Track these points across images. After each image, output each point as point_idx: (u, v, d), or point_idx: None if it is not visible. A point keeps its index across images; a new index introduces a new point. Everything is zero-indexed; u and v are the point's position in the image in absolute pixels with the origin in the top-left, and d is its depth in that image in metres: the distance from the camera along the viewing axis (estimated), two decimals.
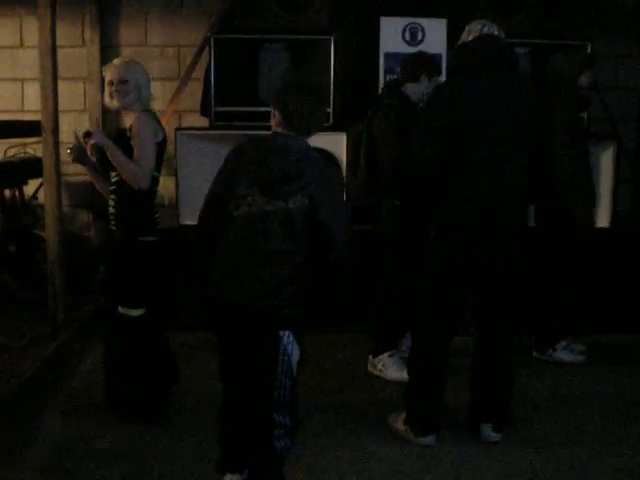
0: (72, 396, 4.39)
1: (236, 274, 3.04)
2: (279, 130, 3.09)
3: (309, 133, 3.10)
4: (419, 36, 5.47)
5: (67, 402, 4.32)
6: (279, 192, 2.98)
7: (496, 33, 3.76)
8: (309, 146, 3.09)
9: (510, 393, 3.93)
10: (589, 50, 5.37)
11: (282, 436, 3.07)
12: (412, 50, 5.16)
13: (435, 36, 5.28)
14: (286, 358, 3.05)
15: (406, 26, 5.46)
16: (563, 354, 5.00)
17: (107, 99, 3.82)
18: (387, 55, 5.43)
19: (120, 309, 3.87)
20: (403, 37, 5.47)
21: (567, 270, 4.97)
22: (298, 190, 2.98)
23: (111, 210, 3.85)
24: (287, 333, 3.05)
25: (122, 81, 3.76)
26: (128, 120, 3.79)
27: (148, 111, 3.80)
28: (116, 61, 3.87)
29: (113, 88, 3.77)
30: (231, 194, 3.03)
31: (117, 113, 4.05)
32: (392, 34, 5.43)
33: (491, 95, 3.63)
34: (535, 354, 5.06)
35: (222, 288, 3.07)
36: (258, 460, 3.13)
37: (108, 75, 3.79)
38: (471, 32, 3.78)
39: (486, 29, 3.75)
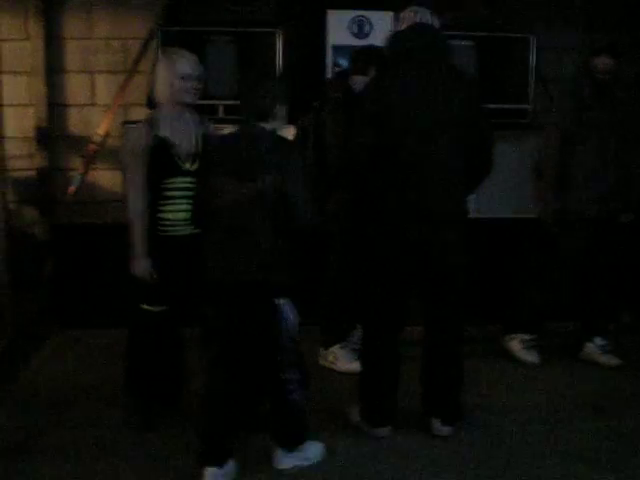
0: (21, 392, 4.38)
1: (226, 257, 3.33)
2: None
3: (266, 118, 3.38)
4: (366, 29, 5.49)
5: (14, 399, 4.30)
6: (252, 174, 3.27)
7: (429, 21, 3.74)
8: (271, 130, 3.38)
9: (459, 386, 3.91)
10: (533, 43, 5.47)
11: (296, 389, 3.46)
12: (360, 43, 5.20)
13: (382, 29, 5.20)
14: (286, 323, 3.39)
15: (353, 19, 5.48)
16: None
17: (181, 94, 3.74)
18: (335, 48, 5.44)
19: (143, 306, 3.84)
20: (350, 30, 5.48)
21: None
22: (266, 170, 3.28)
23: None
24: (282, 301, 3.39)
25: (200, 79, 3.77)
26: None
27: None
28: (189, 55, 3.81)
29: (192, 84, 3.73)
30: (211, 188, 3.33)
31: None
32: (339, 27, 5.44)
33: (419, 83, 3.63)
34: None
35: (216, 273, 3.36)
36: (280, 417, 3.48)
37: (184, 68, 3.72)
38: (404, 20, 3.76)
39: (419, 17, 3.73)
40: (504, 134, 5.56)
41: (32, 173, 5.60)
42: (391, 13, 5.31)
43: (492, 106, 5.17)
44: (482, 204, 5.57)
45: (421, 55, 3.67)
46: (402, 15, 3.78)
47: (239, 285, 3.34)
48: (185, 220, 3.63)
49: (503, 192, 5.73)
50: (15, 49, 5.73)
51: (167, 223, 3.70)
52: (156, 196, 3.67)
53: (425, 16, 3.75)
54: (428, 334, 3.86)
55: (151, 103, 4.93)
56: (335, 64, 5.39)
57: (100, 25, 5.82)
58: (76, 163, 5.75)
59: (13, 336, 4.96)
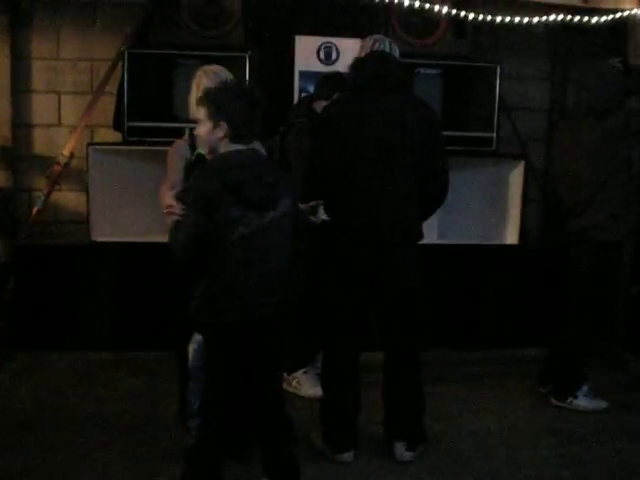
0: None
1: (238, 293, 3.07)
2: (226, 142, 3.12)
3: (256, 140, 3.24)
4: (333, 55, 5.52)
5: None
6: (269, 203, 3.07)
7: (387, 50, 3.81)
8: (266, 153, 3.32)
9: (421, 410, 3.91)
10: (497, 71, 5.54)
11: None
12: (327, 69, 5.22)
13: (349, 56, 4.85)
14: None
15: (320, 45, 5.51)
16: (584, 401, 4.65)
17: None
18: (302, 73, 5.44)
19: None
20: (318, 56, 5.51)
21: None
22: (280, 196, 3.12)
23: None
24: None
25: None
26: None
27: None
28: (227, 72, 3.70)
29: None
30: (220, 221, 3.01)
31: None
32: (307, 53, 5.46)
33: (373, 112, 3.67)
34: (553, 401, 4.70)
35: (230, 314, 3.09)
36: (265, 412, 3.30)
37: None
38: (364, 48, 3.83)
39: (377, 45, 3.80)
40: (469, 161, 5.66)
41: None
42: (359, 40, 4.87)
43: (457, 134, 5.37)
44: (446, 229, 5.64)
45: (377, 82, 3.72)
46: (362, 44, 3.86)
47: (246, 322, 3.13)
48: None
49: (467, 218, 5.75)
50: None
51: None
52: None
53: (383, 44, 3.82)
54: (387, 358, 3.87)
55: (118, 124, 5.31)
56: (302, 89, 5.40)
57: (67, 45, 5.83)
58: (40, 183, 5.70)
59: None
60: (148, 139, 5.24)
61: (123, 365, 5.07)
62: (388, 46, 3.83)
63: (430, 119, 3.85)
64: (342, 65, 5.22)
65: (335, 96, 4.35)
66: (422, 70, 5.48)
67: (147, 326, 5.06)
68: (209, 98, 3.13)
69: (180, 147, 3.66)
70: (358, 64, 3.81)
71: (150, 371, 4.96)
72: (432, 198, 3.92)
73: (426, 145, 3.78)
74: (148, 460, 3.75)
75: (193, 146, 3.60)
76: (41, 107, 5.86)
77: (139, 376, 4.90)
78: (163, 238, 3.43)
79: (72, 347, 5.20)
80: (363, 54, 3.82)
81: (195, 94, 3.55)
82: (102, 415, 4.29)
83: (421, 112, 3.80)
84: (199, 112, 3.18)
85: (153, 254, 4.03)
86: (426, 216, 3.99)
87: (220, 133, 3.11)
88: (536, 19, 5.39)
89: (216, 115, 3.08)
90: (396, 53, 3.88)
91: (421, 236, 3.88)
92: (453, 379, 5.08)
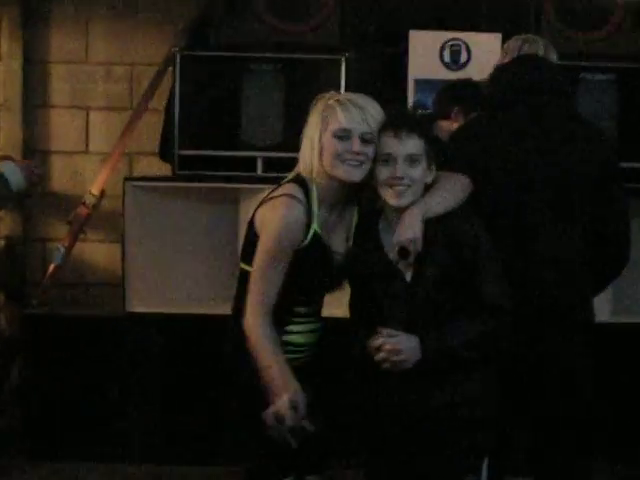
0: None
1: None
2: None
3: None
4: (463, 57, 5.01)
5: None
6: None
7: (540, 53, 3.51)
8: None
9: None
10: None
11: None
12: (453, 76, 4.81)
13: (485, 57, 4.70)
14: None
15: (445, 43, 5.01)
16: None
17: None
18: (418, 82, 4.99)
19: None
20: (441, 58, 5.01)
21: None
22: None
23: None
24: None
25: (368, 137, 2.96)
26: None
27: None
28: (362, 100, 3.02)
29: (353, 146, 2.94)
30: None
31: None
32: (426, 54, 5.03)
33: (519, 140, 3.34)
34: None
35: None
36: None
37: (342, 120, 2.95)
38: (508, 52, 3.58)
39: (526, 47, 3.52)
40: None
41: None
42: (498, 35, 4.89)
43: (635, 165, 4.74)
44: (622, 303, 5.06)
45: (527, 99, 3.37)
46: (506, 45, 3.62)
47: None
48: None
49: None
50: None
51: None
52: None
53: (535, 46, 3.52)
54: None
55: (165, 152, 5.02)
56: (418, 104, 4.92)
57: (98, 45, 5.56)
58: (60, 231, 5.34)
59: None
60: (206, 173, 4.85)
61: None
62: (542, 48, 3.51)
63: (601, 147, 3.40)
64: (474, 69, 4.91)
65: (462, 115, 4.22)
66: (588, 75, 4.87)
67: (198, 432, 4.73)
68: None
69: (295, 217, 2.93)
70: (499, 73, 3.49)
71: None
72: (607, 260, 3.47)
73: (596, 184, 3.34)
74: None
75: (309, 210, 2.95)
76: (62, 127, 5.57)
77: None
78: (225, 309, 3.16)
79: (101, 458, 4.79)
80: (507, 59, 3.51)
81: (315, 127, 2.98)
82: None
83: (590, 136, 3.39)
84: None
85: (212, 333, 3.47)
86: (599, 287, 3.56)
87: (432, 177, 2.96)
88: None
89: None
90: (553, 57, 3.55)
91: (591, 316, 3.42)
92: None
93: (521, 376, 3.33)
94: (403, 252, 2.86)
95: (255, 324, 2.86)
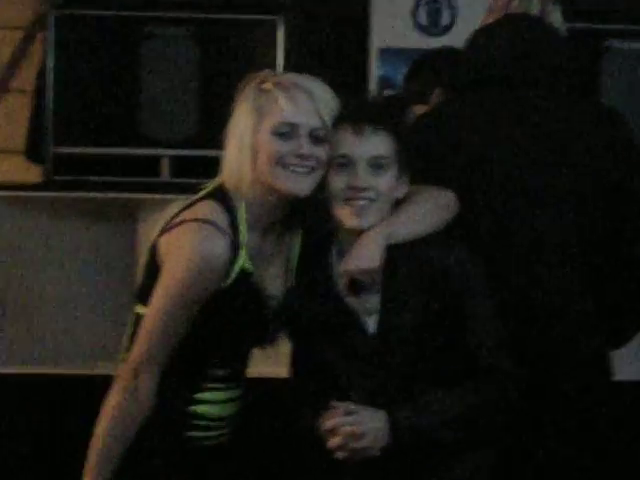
0: None
1: None
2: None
3: None
4: (445, 18, 4.41)
5: None
6: None
7: (535, 11, 3.07)
8: None
9: None
10: None
11: None
12: (433, 44, 4.23)
13: (475, 18, 3.84)
14: None
15: (420, 0, 4.46)
16: None
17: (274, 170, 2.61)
18: (384, 53, 4.42)
19: None
20: (415, 20, 4.38)
21: None
22: None
23: None
24: None
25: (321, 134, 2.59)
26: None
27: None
28: (310, 83, 2.60)
29: (301, 146, 2.54)
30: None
31: None
32: (395, 14, 4.40)
33: (514, 120, 2.89)
34: None
35: None
36: None
37: (287, 112, 2.58)
38: (494, 10, 3.16)
39: (516, 3, 3.09)
40: None
41: None
42: None
43: None
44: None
45: (517, 72, 2.91)
46: (492, 0, 3.19)
47: None
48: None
49: None
50: None
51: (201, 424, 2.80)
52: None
53: (531, 4, 3.06)
54: None
55: (34, 151, 4.51)
56: (384, 81, 4.38)
57: None
58: None
59: None
60: (91, 178, 4.25)
61: None
62: (538, 5, 3.04)
63: (628, 145, 2.92)
64: (462, 36, 3.97)
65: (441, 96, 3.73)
66: (615, 43, 4.32)
67: None
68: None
69: (213, 252, 2.49)
70: (481, 37, 3.03)
71: None
72: (631, 303, 2.99)
73: (618, 196, 2.83)
74: None
75: (235, 243, 2.55)
76: None
77: None
78: (110, 369, 2.75)
79: None
80: (492, 19, 3.05)
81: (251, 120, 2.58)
82: None
83: (608, 131, 2.90)
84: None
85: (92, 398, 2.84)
86: (621, 340, 3.05)
87: (403, 190, 2.55)
88: None
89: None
90: (554, 17, 3.04)
91: (608, 374, 2.97)
92: None
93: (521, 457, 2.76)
94: (353, 286, 2.45)
95: (124, 387, 2.41)
